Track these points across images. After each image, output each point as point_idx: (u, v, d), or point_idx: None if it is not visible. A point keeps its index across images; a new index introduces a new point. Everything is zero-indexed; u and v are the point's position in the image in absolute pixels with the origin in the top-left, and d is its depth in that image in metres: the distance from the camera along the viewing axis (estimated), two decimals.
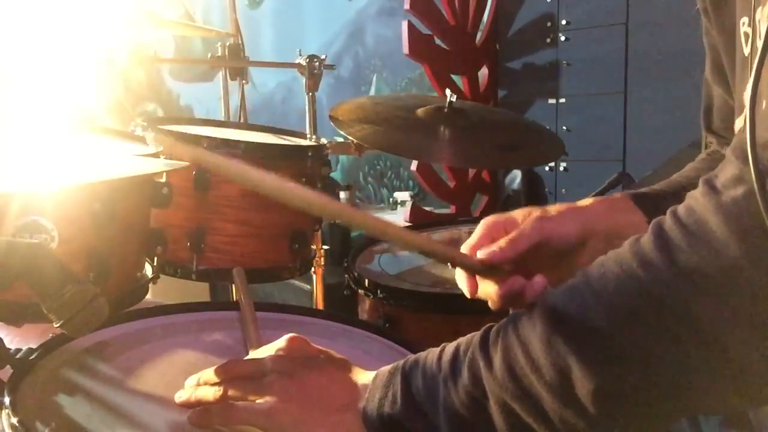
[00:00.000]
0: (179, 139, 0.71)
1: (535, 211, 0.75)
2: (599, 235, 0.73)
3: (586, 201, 0.78)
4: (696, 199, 0.51)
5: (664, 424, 0.54)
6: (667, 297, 0.49)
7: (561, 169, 3.25)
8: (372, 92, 4.22)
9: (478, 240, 0.74)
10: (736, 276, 0.47)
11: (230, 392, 0.63)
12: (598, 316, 0.52)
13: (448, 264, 0.74)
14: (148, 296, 0.97)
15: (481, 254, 0.71)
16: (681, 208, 0.51)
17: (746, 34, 0.59)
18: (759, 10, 0.54)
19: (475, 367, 0.56)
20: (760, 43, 0.48)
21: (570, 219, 0.74)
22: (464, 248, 0.74)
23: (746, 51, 0.60)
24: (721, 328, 0.47)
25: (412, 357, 0.62)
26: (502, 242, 0.71)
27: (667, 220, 0.52)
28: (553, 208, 0.75)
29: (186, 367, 0.74)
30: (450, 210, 3.43)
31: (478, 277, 0.71)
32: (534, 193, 3.39)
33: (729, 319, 0.47)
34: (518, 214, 0.76)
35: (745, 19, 0.59)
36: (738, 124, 0.67)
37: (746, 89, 0.48)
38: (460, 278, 0.73)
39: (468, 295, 0.70)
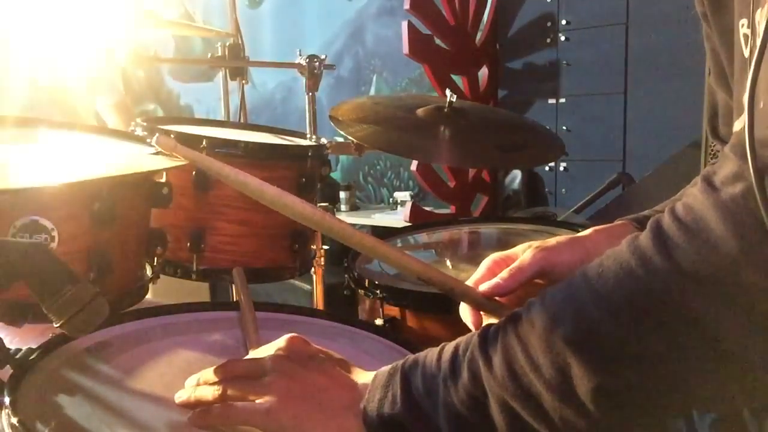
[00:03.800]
0: (180, 142, 0.71)
1: (535, 243, 0.76)
2: None
3: (586, 231, 0.79)
4: (694, 196, 0.51)
5: (664, 420, 0.54)
6: (666, 294, 0.49)
7: (561, 169, 3.26)
8: (372, 92, 4.23)
9: (481, 277, 0.76)
10: (735, 273, 0.47)
11: (230, 392, 0.63)
12: (596, 314, 0.52)
13: (450, 295, 0.74)
14: (148, 296, 0.97)
15: (483, 287, 0.72)
16: (679, 206, 0.51)
17: (746, 36, 0.59)
18: (758, 11, 0.54)
19: (475, 366, 0.56)
20: (758, 43, 0.48)
21: (570, 249, 0.75)
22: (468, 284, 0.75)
23: (746, 53, 0.60)
24: (719, 325, 0.48)
25: (411, 357, 0.62)
26: (504, 273, 0.73)
27: (666, 218, 0.52)
28: (553, 240, 0.76)
29: (186, 367, 0.73)
30: (450, 210, 3.43)
31: (482, 313, 0.73)
32: (534, 193, 3.39)
33: (727, 316, 0.47)
34: (518, 248, 0.78)
35: (744, 21, 0.59)
36: (737, 126, 0.67)
37: (745, 90, 0.48)
38: (465, 313, 0.75)
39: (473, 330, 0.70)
